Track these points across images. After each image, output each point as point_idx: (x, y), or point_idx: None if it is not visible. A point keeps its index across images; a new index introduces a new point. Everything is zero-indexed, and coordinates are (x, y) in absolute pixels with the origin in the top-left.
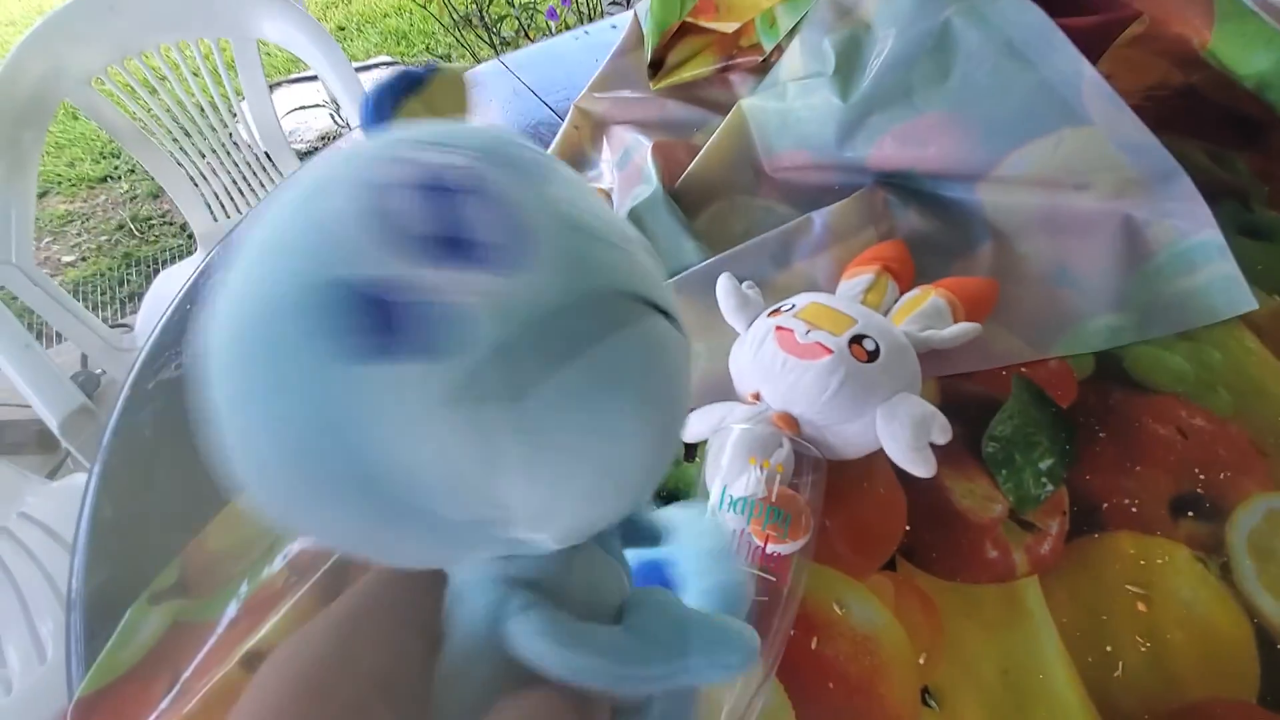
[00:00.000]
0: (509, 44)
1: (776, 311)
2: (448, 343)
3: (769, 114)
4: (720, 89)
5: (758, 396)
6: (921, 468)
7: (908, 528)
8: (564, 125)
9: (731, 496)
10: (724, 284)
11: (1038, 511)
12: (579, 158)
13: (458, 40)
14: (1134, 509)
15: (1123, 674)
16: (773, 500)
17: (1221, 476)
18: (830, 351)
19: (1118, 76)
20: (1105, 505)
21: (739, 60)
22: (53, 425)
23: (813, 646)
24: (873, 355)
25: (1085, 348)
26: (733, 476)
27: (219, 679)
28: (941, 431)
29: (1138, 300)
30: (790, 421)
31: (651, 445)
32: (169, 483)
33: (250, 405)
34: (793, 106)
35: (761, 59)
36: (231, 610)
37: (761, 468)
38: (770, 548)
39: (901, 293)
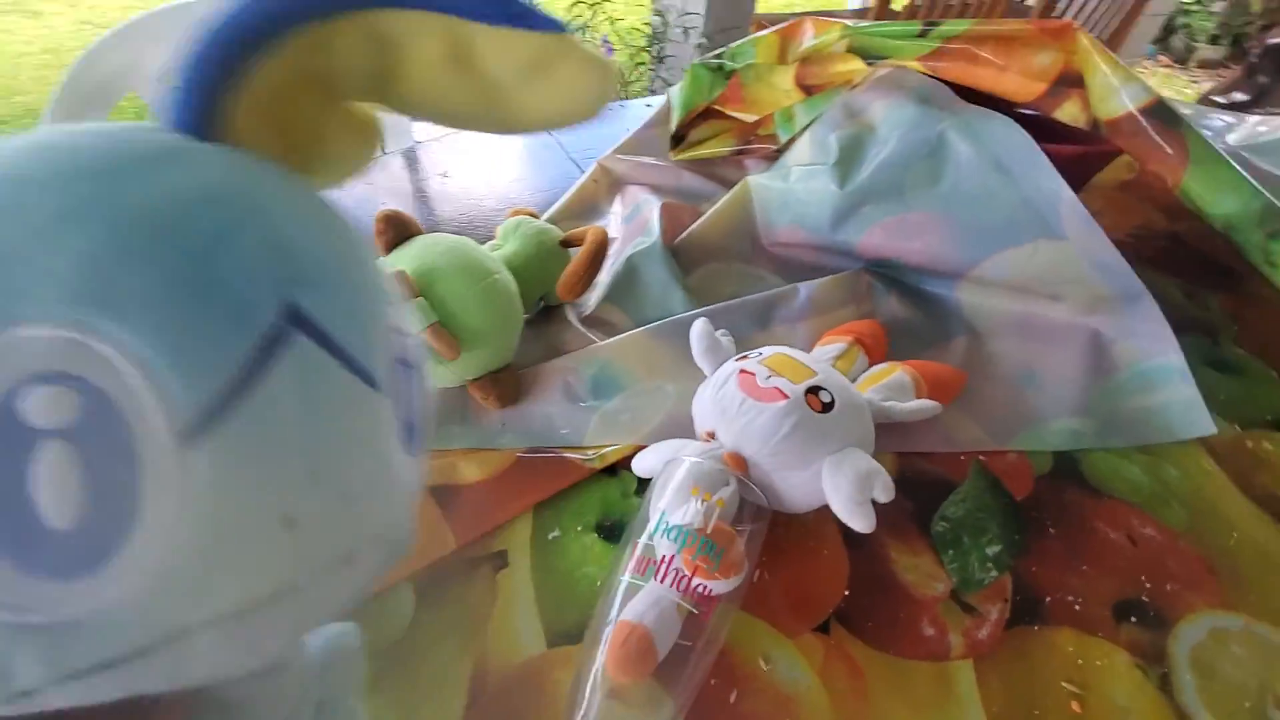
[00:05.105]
0: None
1: (744, 358)
2: None
3: (772, 191)
4: (733, 169)
5: (712, 435)
6: (861, 521)
7: (846, 592)
8: (583, 177)
9: (668, 523)
10: (698, 327)
11: (979, 595)
12: (590, 208)
13: None
14: (1077, 606)
15: None
16: (708, 532)
17: (1168, 588)
18: (786, 397)
19: (1105, 214)
20: (1048, 599)
21: (755, 146)
22: None
23: (731, 700)
24: (827, 407)
25: (1045, 445)
26: (674, 505)
27: None
28: (884, 489)
29: (1099, 410)
30: (740, 462)
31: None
32: None
33: None
34: (794, 187)
35: (776, 148)
36: None
37: (703, 500)
38: (697, 581)
39: (871, 366)
